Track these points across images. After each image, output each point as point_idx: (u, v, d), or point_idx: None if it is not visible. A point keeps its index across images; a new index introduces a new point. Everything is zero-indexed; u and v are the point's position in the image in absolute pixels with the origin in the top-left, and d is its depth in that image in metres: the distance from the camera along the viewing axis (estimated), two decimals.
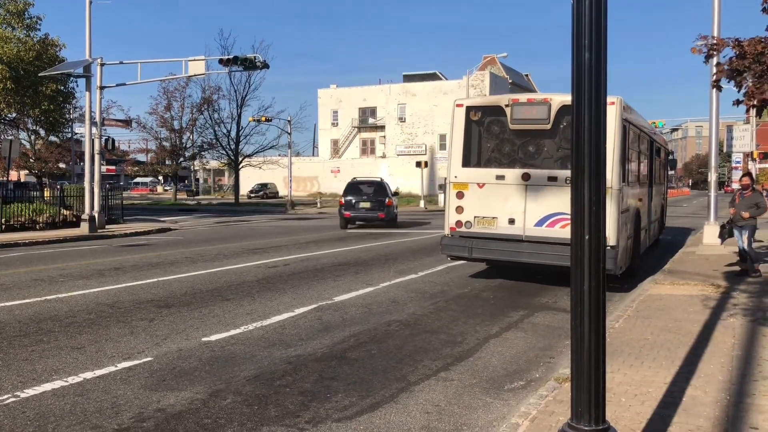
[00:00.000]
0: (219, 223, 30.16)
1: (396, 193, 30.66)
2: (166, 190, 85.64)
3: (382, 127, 74.11)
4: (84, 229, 22.22)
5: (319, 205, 48.82)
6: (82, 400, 5.49)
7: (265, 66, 25.44)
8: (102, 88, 24.54)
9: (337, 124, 77.39)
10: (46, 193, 27.32)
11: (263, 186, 72.40)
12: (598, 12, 3.40)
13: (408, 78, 76.73)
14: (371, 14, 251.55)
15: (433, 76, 75.26)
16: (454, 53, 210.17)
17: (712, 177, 18.20)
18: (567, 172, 9.95)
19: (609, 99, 11.07)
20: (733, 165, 53.05)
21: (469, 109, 11.79)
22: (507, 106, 11.32)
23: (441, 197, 50.02)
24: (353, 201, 25.86)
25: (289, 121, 50.67)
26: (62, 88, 29.35)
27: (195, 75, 25.49)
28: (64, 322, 8.39)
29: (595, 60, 3.41)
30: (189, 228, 27.13)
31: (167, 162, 59.57)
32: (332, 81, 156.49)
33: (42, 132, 43.82)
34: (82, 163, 34.45)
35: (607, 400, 3.65)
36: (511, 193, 11.20)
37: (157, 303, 9.76)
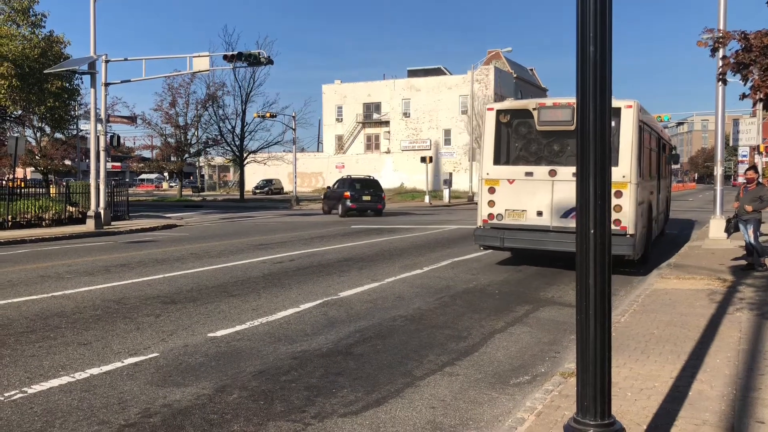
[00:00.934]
0: (224, 220, 30.21)
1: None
2: (171, 187, 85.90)
3: (386, 123, 74.00)
4: (90, 225, 22.29)
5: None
6: (89, 396, 5.52)
7: (270, 62, 25.43)
8: (107, 84, 24.58)
9: (341, 119, 77.31)
10: (52, 190, 27.43)
11: (268, 182, 72.52)
12: (603, 4, 3.38)
13: (412, 73, 76.46)
14: (375, 9, 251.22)
15: (437, 71, 75.03)
16: (459, 48, 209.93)
17: (718, 171, 18.14)
18: None
19: (627, 102, 12.02)
20: (740, 158, 52.81)
21: (499, 112, 12.86)
22: (534, 109, 12.32)
23: (446, 192, 50.01)
24: (355, 195, 31.42)
25: (293, 116, 50.68)
26: (67, 85, 29.42)
27: (199, 71, 25.48)
28: (70, 319, 8.42)
29: (600, 53, 3.39)
30: (194, 224, 27.19)
31: (172, 158, 59.74)
32: (336, 76, 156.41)
33: (47, 129, 43.88)
34: (87, 160, 34.48)
35: (612, 394, 3.64)
36: (538, 188, 12.23)
37: (163, 299, 9.79)
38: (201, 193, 74.31)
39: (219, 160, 72.79)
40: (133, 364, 6.45)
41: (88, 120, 30.41)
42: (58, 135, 49.17)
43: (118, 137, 27.44)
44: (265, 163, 56.93)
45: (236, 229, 23.82)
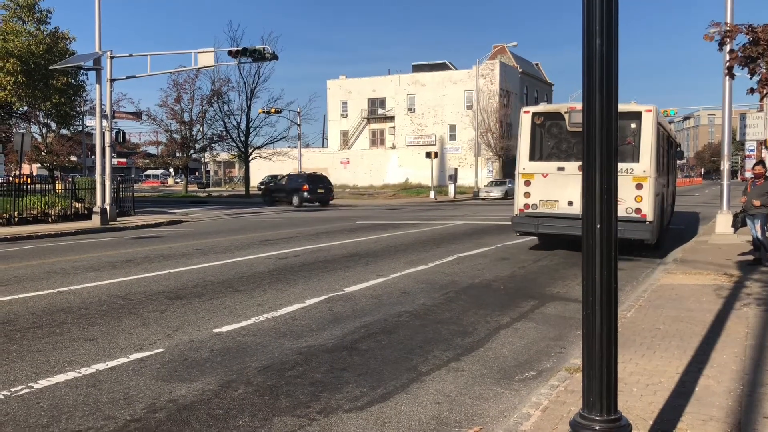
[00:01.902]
0: (230, 215, 30.25)
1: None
2: (177, 183, 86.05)
3: (391, 118, 73.92)
4: (96, 221, 22.36)
5: None
6: (95, 391, 5.54)
7: (274, 57, 25.41)
8: (112, 80, 24.62)
9: (346, 115, 77.23)
10: (58, 186, 27.51)
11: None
12: None
13: (417, 68, 76.22)
14: (380, 4, 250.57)
15: (442, 66, 74.76)
16: (464, 43, 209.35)
17: (725, 165, 18.02)
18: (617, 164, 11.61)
19: (647, 107, 13.56)
20: (747, 153, 52.53)
21: (534, 115, 14.55)
22: (566, 112, 13.98)
23: (451, 188, 49.96)
24: (312, 187, 37.57)
25: (298, 112, 50.71)
26: (73, 81, 29.42)
27: (204, 67, 25.52)
28: (76, 314, 8.45)
29: (606, 46, 3.36)
30: (200, 220, 27.23)
31: (178, 154, 59.73)
32: (341, 72, 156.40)
33: (53, 125, 43.93)
34: (93, 156, 34.58)
35: (618, 390, 3.63)
36: (569, 181, 13.58)
37: (168, 294, 9.81)
38: (206, 189, 74.45)
39: (224, 156, 72.85)
40: (139, 359, 6.46)
41: (93, 116, 30.53)
42: (63, 131, 49.37)
43: (124, 133, 27.50)
44: (270, 159, 56.87)
45: (241, 225, 23.85)
